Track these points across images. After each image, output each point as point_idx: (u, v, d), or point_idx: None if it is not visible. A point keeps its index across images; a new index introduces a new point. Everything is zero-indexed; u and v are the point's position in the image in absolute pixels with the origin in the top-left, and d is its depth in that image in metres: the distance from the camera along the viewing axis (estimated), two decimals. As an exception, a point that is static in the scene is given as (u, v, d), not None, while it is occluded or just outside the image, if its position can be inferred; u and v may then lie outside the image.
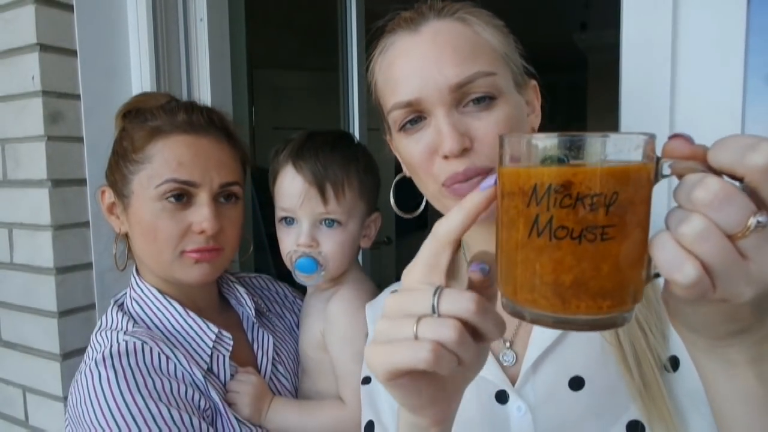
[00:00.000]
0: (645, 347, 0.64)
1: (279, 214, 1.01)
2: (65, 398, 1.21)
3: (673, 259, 0.35)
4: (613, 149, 0.38)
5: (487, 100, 0.66)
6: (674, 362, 0.65)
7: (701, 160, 0.37)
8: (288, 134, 1.06)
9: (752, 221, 0.34)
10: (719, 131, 0.79)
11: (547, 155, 0.39)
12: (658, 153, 0.39)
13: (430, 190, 0.71)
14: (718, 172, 0.36)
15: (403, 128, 0.70)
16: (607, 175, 0.36)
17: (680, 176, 0.37)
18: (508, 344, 0.72)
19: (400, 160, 0.77)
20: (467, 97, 0.66)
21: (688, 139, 0.38)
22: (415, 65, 0.67)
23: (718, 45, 0.78)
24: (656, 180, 0.38)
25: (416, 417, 0.49)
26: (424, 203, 0.80)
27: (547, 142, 0.39)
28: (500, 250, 0.43)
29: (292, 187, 0.98)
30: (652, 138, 0.38)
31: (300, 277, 1.00)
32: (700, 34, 0.79)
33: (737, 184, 0.35)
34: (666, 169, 0.38)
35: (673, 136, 0.38)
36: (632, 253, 0.37)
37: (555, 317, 0.39)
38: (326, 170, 0.97)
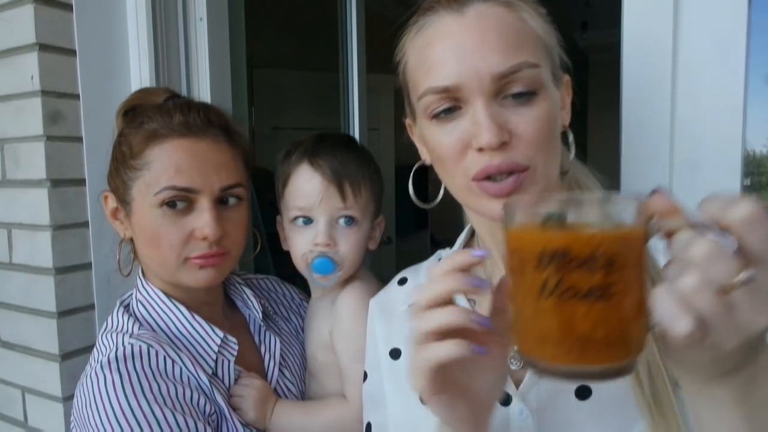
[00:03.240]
0: (660, 361, 0.60)
1: (293, 214, 1.01)
2: (64, 399, 1.21)
3: (672, 312, 0.39)
4: (611, 210, 0.43)
5: (527, 95, 0.62)
6: None
7: (682, 215, 0.40)
8: (288, 134, 1.06)
9: (742, 276, 0.37)
10: (720, 131, 0.79)
11: (550, 219, 0.42)
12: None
13: (457, 183, 0.67)
14: (701, 228, 0.39)
15: (435, 116, 0.65)
16: (605, 240, 0.40)
17: (669, 235, 0.40)
18: (516, 347, 0.71)
19: (424, 148, 0.74)
20: (508, 89, 0.62)
21: (667, 194, 0.42)
22: (456, 49, 0.62)
23: (719, 44, 0.78)
24: (647, 239, 0.42)
25: (452, 428, 0.56)
26: (442, 191, 0.76)
27: (550, 207, 0.43)
28: (513, 306, 0.46)
29: (309, 186, 0.98)
30: (645, 198, 0.42)
31: (316, 278, 0.99)
32: (700, 33, 0.79)
33: (729, 240, 0.39)
34: (656, 230, 0.41)
35: (654, 192, 0.42)
36: (632, 307, 0.41)
37: (567, 370, 0.42)
38: (344, 167, 0.98)
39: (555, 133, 0.66)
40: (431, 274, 0.53)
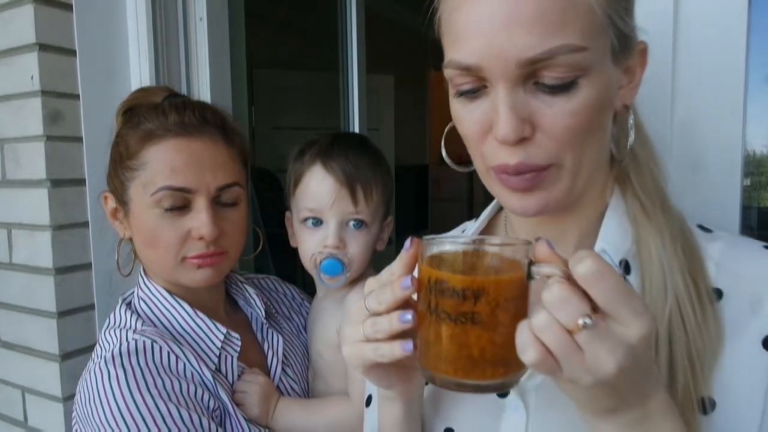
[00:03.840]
0: (689, 378, 0.56)
1: (303, 214, 1.01)
2: (64, 399, 1.21)
3: (524, 343, 0.45)
4: (503, 251, 0.52)
5: (565, 86, 0.53)
6: (711, 404, 0.57)
7: (555, 265, 0.46)
8: (288, 134, 1.06)
9: (581, 321, 0.43)
10: (720, 130, 0.79)
11: (438, 257, 0.51)
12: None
13: (478, 166, 0.63)
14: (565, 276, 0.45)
15: (459, 94, 0.59)
16: (475, 281, 0.48)
17: (548, 277, 0.46)
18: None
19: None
20: (540, 75, 0.53)
21: (549, 244, 0.47)
22: (482, 23, 0.53)
23: (719, 44, 0.78)
24: (529, 279, 0.48)
25: (388, 392, 0.64)
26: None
27: (436, 249, 0.52)
28: (416, 322, 0.53)
29: (321, 188, 0.98)
30: (527, 245, 0.49)
31: (324, 279, 1.00)
32: (700, 33, 0.79)
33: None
34: (534, 273, 0.47)
35: (538, 240, 0.48)
36: (504, 334, 0.47)
37: (455, 382, 0.50)
38: (357, 171, 0.98)
39: (599, 122, 0.57)
40: (379, 282, 0.56)
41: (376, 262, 1.07)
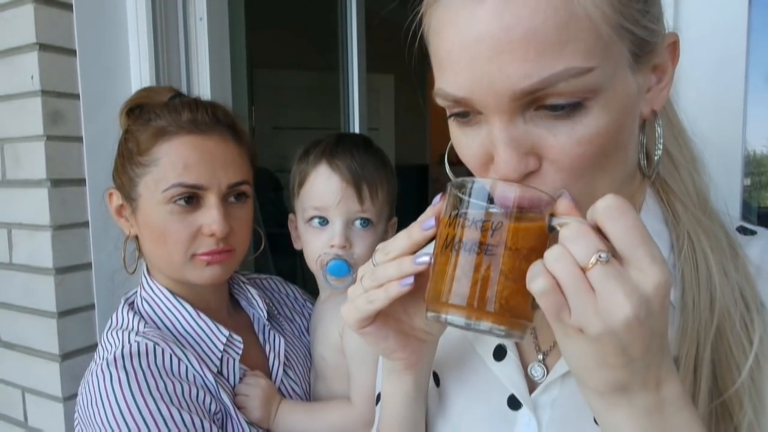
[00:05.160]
0: (750, 414, 0.51)
1: (309, 213, 1.00)
2: (65, 399, 1.21)
3: (534, 273, 0.43)
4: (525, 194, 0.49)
5: (568, 108, 0.46)
6: None
7: (575, 216, 0.45)
8: (288, 134, 1.06)
9: (595, 257, 0.41)
10: (720, 130, 0.79)
11: (463, 188, 0.49)
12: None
13: None
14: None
15: (454, 116, 0.53)
16: (501, 216, 0.47)
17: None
18: (541, 356, 0.64)
19: None
20: (541, 101, 0.47)
21: (570, 199, 0.46)
22: (466, 50, 0.47)
23: (719, 44, 0.78)
24: (551, 231, 0.47)
25: (391, 362, 0.61)
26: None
27: (465, 183, 0.49)
28: (432, 263, 0.51)
29: (327, 186, 0.98)
30: (553, 199, 0.48)
31: (331, 281, 0.99)
32: (701, 33, 0.79)
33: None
34: (555, 224, 0.46)
35: (561, 194, 0.47)
36: (514, 278, 0.46)
37: (463, 320, 0.48)
38: (363, 169, 0.98)
39: (617, 144, 0.50)
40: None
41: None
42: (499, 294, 0.46)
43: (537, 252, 0.46)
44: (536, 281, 0.43)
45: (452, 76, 0.49)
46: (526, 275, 0.44)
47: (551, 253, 0.43)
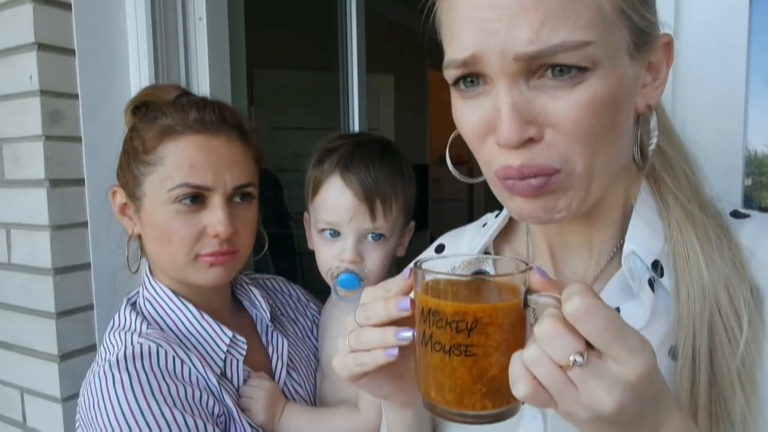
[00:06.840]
0: (740, 394, 0.53)
1: (321, 225, 1.00)
2: (63, 399, 1.20)
3: (515, 376, 0.45)
4: (495, 281, 0.51)
5: (573, 71, 0.49)
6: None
7: (557, 291, 0.45)
8: (288, 134, 1.05)
9: (572, 359, 0.42)
10: (721, 130, 0.79)
11: (433, 283, 0.50)
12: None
13: (483, 171, 0.59)
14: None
15: (458, 85, 0.55)
16: (469, 310, 0.46)
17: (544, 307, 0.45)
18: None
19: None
20: (544, 66, 0.49)
21: (543, 273, 0.47)
22: (477, 15, 0.50)
23: (720, 44, 0.78)
24: (525, 307, 0.47)
25: (388, 402, 0.64)
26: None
27: (430, 278, 0.50)
28: (416, 352, 0.52)
29: (340, 202, 0.97)
30: (526, 272, 0.48)
31: (341, 293, 0.99)
32: (701, 33, 0.79)
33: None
34: (530, 303, 0.47)
35: (531, 269, 0.47)
36: (500, 364, 0.47)
37: (456, 413, 0.49)
38: (377, 186, 0.96)
39: (613, 121, 0.52)
40: (372, 296, 0.55)
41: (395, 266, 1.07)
42: (488, 387, 0.47)
43: (517, 330, 0.47)
44: (518, 386, 0.44)
45: (461, 39, 0.52)
46: (509, 359, 0.46)
47: (529, 354, 0.43)
